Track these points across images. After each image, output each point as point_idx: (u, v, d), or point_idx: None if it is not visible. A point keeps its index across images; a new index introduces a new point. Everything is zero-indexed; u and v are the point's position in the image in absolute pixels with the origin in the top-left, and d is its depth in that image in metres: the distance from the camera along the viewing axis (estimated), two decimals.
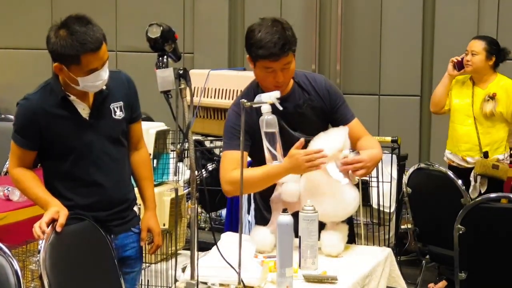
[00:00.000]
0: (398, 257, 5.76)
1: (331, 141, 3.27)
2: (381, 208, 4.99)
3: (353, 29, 7.19)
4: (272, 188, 3.33)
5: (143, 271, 4.54)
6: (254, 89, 3.42)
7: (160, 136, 4.87)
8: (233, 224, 5.14)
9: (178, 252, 4.87)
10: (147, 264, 4.47)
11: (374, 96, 7.18)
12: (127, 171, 3.52)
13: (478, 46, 5.38)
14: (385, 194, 4.95)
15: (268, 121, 2.98)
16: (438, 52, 6.90)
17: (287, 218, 2.88)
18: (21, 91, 3.45)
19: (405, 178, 4.78)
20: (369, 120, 7.07)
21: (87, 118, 3.32)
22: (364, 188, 4.87)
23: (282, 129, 3.24)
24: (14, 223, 4.34)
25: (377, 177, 4.85)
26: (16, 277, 2.83)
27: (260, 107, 3.11)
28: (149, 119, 6.23)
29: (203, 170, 5.37)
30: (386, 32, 7.08)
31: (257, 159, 3.37)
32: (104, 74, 3.24)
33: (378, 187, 4.90)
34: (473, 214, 3.85)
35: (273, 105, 3.01)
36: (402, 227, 5.54)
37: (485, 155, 5.27)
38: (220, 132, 5.99)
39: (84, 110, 3.32)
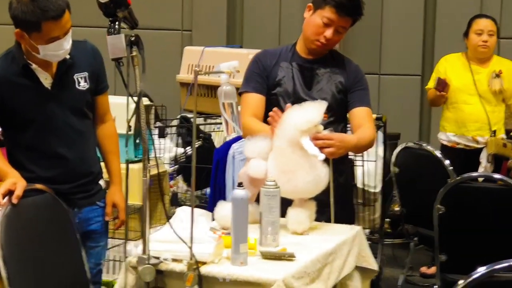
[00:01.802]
0: (389, 240, 5.67)
1: (307, 114, 3.15)
2: (366, 188, 4.87)
3: None
4: None
5: (118, 248, 4.49)
6: (286, 47, 3.56)
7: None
8: (215, 202, 5.04)
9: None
10: (122, 241, 4.38)
11: (374, 76, 7.05)
12: (91, 143, 3.43)
13: (492, 25, 5.24)
14: (370, 174, 4.82)
15: (227, 92, 2.86)
16: (440, 30, 6.77)
17: (241, 192, 2.78)
18: None
19: (392, 158, 4.65)
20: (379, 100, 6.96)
21: (49, 88, 3.24)
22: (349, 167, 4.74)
23: (296, 86, 3.44)
24: None
25: (362, 155, 4.73)
26: None
27: (283, 54, 3.45)
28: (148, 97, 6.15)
29: (189, 147, 5.27)
30: (387, 10, 6.95)
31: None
32: (66, 44, 3.15)
33: (363, 166, 4.77)
34: (453, 193, 3.74)
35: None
36: (396, 209, 5.42)
37: (494, 133, 5.16)
38: (214, 111, 5.96)
39: (46, 79, 3.23)
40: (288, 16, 7.20)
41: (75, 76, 3.30)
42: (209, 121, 5.93)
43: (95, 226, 3.40)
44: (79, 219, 3.32)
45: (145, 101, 4.84)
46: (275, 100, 3.48)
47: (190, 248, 2.66)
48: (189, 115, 5.94)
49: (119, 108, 4.49)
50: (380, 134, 4.86)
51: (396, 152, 4.65)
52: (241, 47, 6.81)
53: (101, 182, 3.50)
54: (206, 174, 4.85)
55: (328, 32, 3.37)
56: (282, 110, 3.30)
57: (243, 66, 5.74)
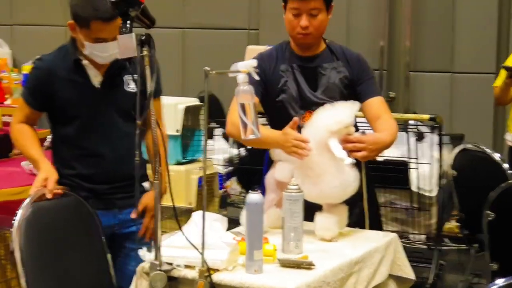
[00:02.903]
0: (455, 245, 5.42)
1: (338, 114, 3.01)
2: (421, 192, 4.64)
3: (425, 2, 6.78)
4: None
5: None
6: (280, 47, 3.41)
7: (191, 112, 4.69)
8: None
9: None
10: None
11: (446, 74, 6.77)
12: (136, 146, 3.36)
13: None
14: (425, 177, 4.60)
15: (245, 92, 2.73)
16: None
17: (256, 197, 2.65)
18: None
19: (450, 160, 4.42)
20: (440, 100, 6.71)
21: (98, 86, 3.23)
22: (403, 170, 4.54)
23: (300, 88, 3.28)
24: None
25: (417, 158, 4.51)
26: None
27: (279, 55, 3.32)
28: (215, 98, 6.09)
29: (241, 148, 5.16)
30: (460, 5, 6.66)
31: (269, 113, 3.42)
32: (112, 48, 3.10)
33: (417, 169, 4.55)
34: (505, 198, 3.50)
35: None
36: None
37: None
38: None
39: (96, 77, 3.23)
40: (355, 13, 7.01)
41: (125, 78, 3.28)
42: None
43: (137, 228, 3.31)
44: (119, 220, 3.28)
45: (195, 101, 4.78)
46: (282, 107, 3.32)
47: (202, 254, 2.55)
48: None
49: (168, 109, 4.49)
50: (435, 136, 4.64)
51: (454, 154, 4.41)
52: None
53: (146, 185, 3.43)
54: (258, 176, 4.72)
55: (302, 21, 3.23)
56: (289, 117, 3.17)
57: None
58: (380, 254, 3.00)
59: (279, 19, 7.14)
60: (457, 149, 4.45)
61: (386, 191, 4.65)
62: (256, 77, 2.71)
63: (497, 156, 4.27)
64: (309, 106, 3.26)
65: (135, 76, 3.23)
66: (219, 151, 5.10)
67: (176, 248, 2.67)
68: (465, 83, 6.72)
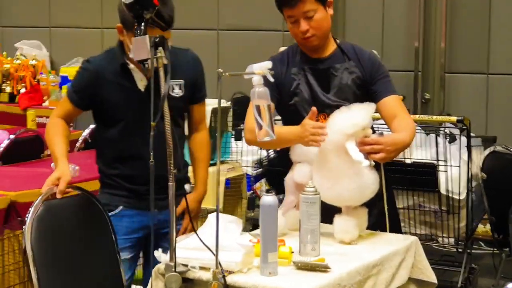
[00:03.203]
0: (490, 249, 5.35)
1: (354, 117, 2.99)
2: (450, 195, 4.59)
3: (460, 3, 6.71)
4: None
5: None
6: (291, 50, 3.38)
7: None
8: None
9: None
10: None
11: (482, 75, 6.68)
12: (178, 150, 3.39)
13: None
14: (454, 180, 4.54)
15: (260, 94, 2.72)
16: None
17: (270, 199, 2.64)
18: None
19: (479, 162, 4.37)
20: (476, 102, 6.62)
21: (143, 90, 3.26)
22: (431, 172, 4.49)
23: (313, 91, 3.26)
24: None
25: (445, 160, 4.46)
26: None
27: (290, 58, 3.29)
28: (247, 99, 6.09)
29: (271, 150, 5.15)
30: (496, 5, 6.57)
31: (284, 117, 3.40)
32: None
33: (446, 171, 4.50)
34: None
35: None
36: None
37: None
38: None
39: (141, 81, 3.27)
40: (393, 12, 6.95)
41: (170, 82, 3.28)
42: None
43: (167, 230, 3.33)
44: (158, 221, 3.24)
45: (222, 103, 4.78)
46: (295, 110, 3.29)
47: (216, 256, 2.55)
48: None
49: None
50: (463, 138, 4.58)
51: (484, 156, 4.36)
52: None
53: (187, 187, 3.49)
54: None
55: (301, 26, 3.19)
56: (303, 119, 3.13)
57: None
58: (400, 257, 2.97)
59: None
60: (487, 152, 4.39)
61: (415, 194, 4.61)
62: (271, 79, 2.70)
63: None
64: (322, 108, 3.24)
65: (180, 81, 3.29)
66: (248, 153, 5.09)
67: (191, 250, 2.68)
68: (501, 84, 6.63)
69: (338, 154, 2.95)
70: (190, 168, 3.57)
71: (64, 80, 7.47)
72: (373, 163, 2.98)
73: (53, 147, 3.29)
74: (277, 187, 5.15)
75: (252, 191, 5.13)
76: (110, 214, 3.30)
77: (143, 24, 2.66)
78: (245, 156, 5.08)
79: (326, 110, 3.23)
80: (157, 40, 2.61)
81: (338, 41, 3.37)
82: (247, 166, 5.11)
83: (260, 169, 5.21)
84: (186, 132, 3.56)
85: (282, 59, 3.35)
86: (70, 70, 7.59)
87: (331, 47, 3.33)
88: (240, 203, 4.82)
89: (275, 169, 4.96)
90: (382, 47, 6.88)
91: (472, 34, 6.68)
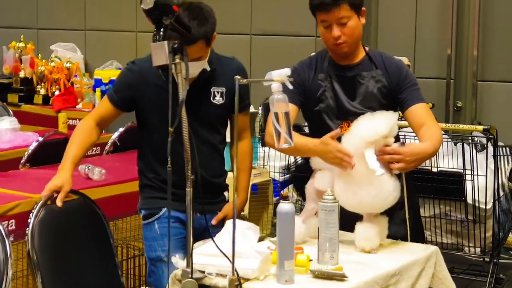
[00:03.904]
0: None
1: (376, 124, 2.99)
2: (477, 204, 4.54)
3: (493, 10, 6.63)
4: None
5: None
6: (320, 55, 3.38)
7: None
8: None
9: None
10: None
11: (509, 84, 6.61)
12: (218, 156, 3.46)
13: None
14: (481, 189, 4.50)
15: (278, 100, 2.72)
16: None
17: (287, 206, 2.64)
18: None
19: (507, 172, 4.33)
20: (509, 110, 6.54)
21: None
22: (458, 181, 4.45)
23: (338, 98, 3.27)
24: None
25: (472, 169, 4.41)
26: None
27: (318, 64, 3.31)
28: None
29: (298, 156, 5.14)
30: None
31: (309, 122, 3.42)
32: (194, 67, 3.16)
33: (473, 180, 4.45)
34: None
35: None
36: None
37: None
38: None
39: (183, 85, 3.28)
40: (425, 19, 6.91)
41: (212, 89, 3.36)
42: None
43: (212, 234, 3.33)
44: (199, 225, 3.26)
45: (251, 109, 4.79)
46: (320, 116, 3.30)
47: (232, 262, 2.56)
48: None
49: None
50: (490, 147, 4.54)
51: (511, 166, 4.31)
52: None
53: (226, 194, 3.55)
54: None
55: (333, 32, 3.20)
56: (327, 126, 3.20)
57: None
58: (420, 267, 2.95)
59: None
60: None
61: (441, 203, 4.58)
62: (290, 86, 2.71)
63: None
64: (346, 116, 3.25)
65: (222, 88, 3.37)
66: (276, 158, 5.10)
67: (208, 256, 2.69)
68: None
69: (360, 161, 2.95)
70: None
71: (98, 83, 7.53)
72: (396, 171, 2.98)
73: (67, 151, 3.31)
74: (305, 193, 5.16)
75: (279, 197, 5.13)
76: (154, 218, 3.34)
77: (162, 29, 2.65)
78: (272, 161, 5.09)
79: (350, 117, 3.23)
80: (175, 46, 2.61)
81: (367, 48, 3.36)
82: (274, 172, 5.12)
83: (288, 175, 5.21)
84: (228, 139, 3.60)
85: (310, 64, 3.36)
86: (104, 73, 7.66)
87: (360, 54, 3.33)
88: (266, 209, 4.82)
89: (303, 175, 4.95)
90: (414, 54, 6.83)
91: (505, 41, 6.60)
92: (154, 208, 3.38)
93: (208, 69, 3.35)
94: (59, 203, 3.07)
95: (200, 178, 3.21)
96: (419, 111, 3.25)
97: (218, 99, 3.36)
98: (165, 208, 3.33)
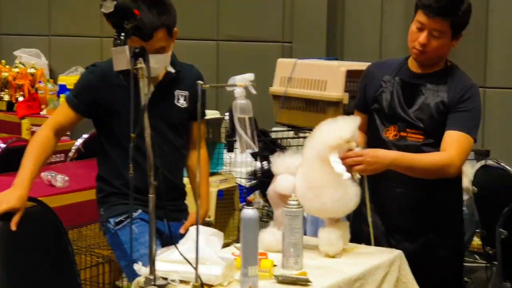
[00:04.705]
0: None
1: (338, 129, 2.99)
2: None
3: None
4: None
5: None
6: (403, 59, 3.35)
7: (212, 125, 4.70)
8: None
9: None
10: None
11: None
12: (182, 161, 3.44)
13: None
14: None
15: (242, 106, 2.72)
16: None
17: (251, 212, 2.64)
18: None
19: (471, 176, 4.35)
20: None
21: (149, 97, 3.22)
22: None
23: (393, 102, 3.26)
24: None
25: None
26: None
27: (392, 66, 3.30)
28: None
29: (265, 162, 5.14)
30: (492, 19, 6.56)
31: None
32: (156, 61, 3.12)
33: None
34: None
35: None
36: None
37: None
38: (307, 124, 5.82)
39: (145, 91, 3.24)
40: (390, 28, 6.95)
41: (176, 92, 3.33)
42: (300, 135, 5.79)
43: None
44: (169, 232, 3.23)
45: (215, 114, 4.79)
46: (371, 116, 3.33)
47: (196, 269, 2.55)
48: (276, 129, 5.83)
49: None
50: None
51: (475, 170, 4.34)
52: (337, 59, 6.62)
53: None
54: None
55: (421, 37, 3.14)
56: (376, 126, 3.27)
57: (334, 78, 5.70)
58: (383, 271, 2.96)
59: (313, 32, 7.26)
60: (479, 165, 4.38)
61: None
62: (253, 91, 2.70)
63: None
64: (396, 120, 3.25)
65: (186, 92, 3.34)
66: (242, 164, 5.09)
67: (172, 263, 2.66)
68: (498, 98, 6.61)
69: (322, 165, 2.95)
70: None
71: (63, 89, 7.49)
72: (358, 176, 2.99)
73: (23, 164, 3.10)
74: None
75: (245, 203, 5.11)
76: (129, 220, 3.18)
77: (123, 34, 2.63)
78: (238, 167, 5.07)
79: (398, 123, 3.26)
80: (137, 50, 2.59)
81: (449, 64, 3.32)
82: (240, 178, 5.10)
83: (254, 181, 5.20)
84: None
85: (386, 64, 3.41)
86: (69, 79, 7.61)
87: (438, 67, 3.28)
88: (232, 215, 4.81)
89: (269, 181, 4.95)
90: (380, 59, 6.85)
91: (469, 47, 6.65)
92: (127, 212, 3.25)
93: (173, 71, 3.33)
94: (13, 227, 2.88)
95: (168, 181, 3.22)
96: (450, 138, 3.17)
97: (182, 102, 3.33)
98: (140, 210, 3.23)
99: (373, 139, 3.33)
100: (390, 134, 3.27)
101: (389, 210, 3.32)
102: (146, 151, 3.11)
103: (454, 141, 3.15)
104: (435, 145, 3.21)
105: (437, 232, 3.31)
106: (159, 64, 3.22)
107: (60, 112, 3.30)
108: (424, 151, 3.19)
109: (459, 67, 3.35)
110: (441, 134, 3.19)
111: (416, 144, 3.23)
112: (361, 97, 3.43)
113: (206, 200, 3.54)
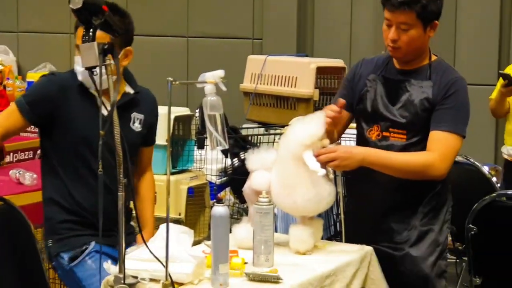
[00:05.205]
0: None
1: (311, 127, 2.98)
2: None
3: None
4: None
5: None
6: (386, 56, 3.25)
7: (182, 122, 4.67)
8: None
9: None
10: None
11: None
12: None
13: None
14: None
15: (212, 103, 2.70)
16: None
17: (221, 210, 2.63)
18: None
19: None
20: None
21: (103, 115, 3.15)
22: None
23: (376, 101, 3.18)
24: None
25: None
26: None
27: (377, 64, 3.22)
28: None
29: (235, 159, 5.13)
30: (461, 17, 6.60)
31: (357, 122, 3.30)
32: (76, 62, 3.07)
33: None
34: (486, 212, 3.46)
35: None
36: None
37: None
38: (277, 121, 5.82)
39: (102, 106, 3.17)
40: (360, 25, 6.98)
41: (133, 115, 3.25)
42: (271, 131, 5.78)
43: None
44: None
45: (186, 111, 4.77)
46: (357, 116, 3.28)
47: (166, 267, 2.53)
48: (246, 125, 5.82)
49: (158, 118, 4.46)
50: None
51: None
52: (306, 55, 6.64)
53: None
54: None
55: (391, 33, 3.06)
56: (361, 127, 3.23)
57: (305, 75, 5.70)
58: (354, 268, 2.96)
59: (283, 29, 7.24)
60: None
61: None
62: (224, 88, 2.69)
63: (485, 169, 4.23)
64: (378, 120, 3.18)
65: (142, 116, 3.27)
66: (212, 161, 5.07)
67: (142, 261, 2.64)
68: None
69: (296, 163, 2.95)
70: None
71: (31, 86, 7.41)
72: (331, 173, 2.99)
73: None
74: (242, 196, 5.14)
75: (215, 200, 5.10)
76: (84, 255, 3.13)
77: (91, 30, 2.59)
78: (209, 164, 5.05)
79: (381, 122, 3.18)
80: (106, 47, 2.56)
81: (434, 58, 3.21)
82: (211, 175, 5.08)
83: (225, 178, 5.19)
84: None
85: (372, 62, 3.29)
86: (37, 75, 7.51)
87: (422, 62, 3.19)
88: (203, 212, 4.79)
89: (240, 178, 4.94)
90: (350, 57, 6.88)
91: (437, 43, 6.68)
92: (79, 246, 3.19)
93: (132, 91, 3.27)
94: None
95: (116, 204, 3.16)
96: (435, 137, 3.08)
97: (137, 126, 3.25)
98: (94, 242, 3.16)
99: (359, 139, 3.29)
100: (373, 134, 3.20)
101: (372, 211, 3.27)
102: (96, 170, 3.09)
103: (438, 142, 3.06)
104: (420, 144, 3.14)
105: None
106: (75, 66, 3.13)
107: (9, 117, 3.17)
108: (410, 151, 3.12)
109: (444, 61, 3.25)
110: (427, 132, 3.11)
111: (398, 144, 3.14)
112: (345, 94, 3.28)
113: (151, 222, 3.46)
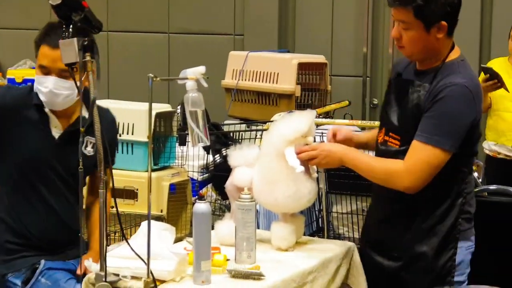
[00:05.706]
0: None
1: (295, 123, 2.98)
2: None
3: None
4: None
5: None
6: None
7: (164, 118, 4.65)
8: None
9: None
10: None
11: None
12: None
13: None
14: None
15: (193, 99, 2.69)
16: (496, 36, 6.38)
17: (203, 206, 2.62)
18: None
19: None
20: None
21: (56, 138, 3.14)
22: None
23: (385, 103, 3.05)
24: None
25: None
26: None
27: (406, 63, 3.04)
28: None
29: (217, 155, 5.11)
30: None
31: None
32: (53, 83, 3.03)
33: None
34: None
35: None
36: None
37: None
38: (259, 117, 5.81)
39: (56, 128, 3.14)
40: (341, 20, 6.98)
41: (86, 138, 3.11)
42: (252, 127, 5.76)
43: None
44: (75, 268, 3.17)
45: (167, 107, 4.74)
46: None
47: (147, 264, 2.52)
48: (228, 122, 5.80)
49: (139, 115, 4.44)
50: None
51: None
52: (288, 51, 6.62)
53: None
54: None
55: (393, 30, 2.93)
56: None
57: (286, 71, 5.69)
58: (336, 264, 2.97)
59: (264, 25, 7.23)
60: None
61: (358, 199, 4.61)
62: (205, 84, 2.68)
63: None
64: (384, 123, 3.05)
65: (93, 139, 3.04)
66: (194, 158, 5.04)
67: (123, 259, 2.63)
68: None
69: (278, 159, 2.95)
70: None
71: (11, 82, 7.35)
72: (314, 173, 2.99)
73: None
74: (224, 192, 5.12)
75: (197, 197, 5.08)
76: (36, 274, 3.08)
77: (71, 26, 2.57)
78: (190, 161, 5.03)
79: (385, 126, 3.04)
80: (86, 43, 2.53)
81: (449, 59, 2.93)
82: (193, 171, 5.06)
83: (207, 174, 5.16)
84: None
85: (403, 60, 3.10)
86: (17, 72, 7.49)
87: (435, 63, 2.93)
88: (185, 209, 4.75)
89: (222, 174, 4.93)
90: (331, 53, 6.88)
91: None
92: (30, 265, 3.14)
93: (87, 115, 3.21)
94: None
95: (66, 226, 3.16)
96: (411, 147, 2.86)
97: (89, 150, 3.12)
98: (43, 260, 3.12)
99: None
100: (380, 137, 3.06)
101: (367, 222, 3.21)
102: (45, 195, 3.11)
103: (411, 151, 2.85)
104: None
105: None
106: (61, 91, 3.07)
107: None
108: (399, 159, 2.90)
109: (463, 63, 2.95)
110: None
111: (392, 150, 2.96)
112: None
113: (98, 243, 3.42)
